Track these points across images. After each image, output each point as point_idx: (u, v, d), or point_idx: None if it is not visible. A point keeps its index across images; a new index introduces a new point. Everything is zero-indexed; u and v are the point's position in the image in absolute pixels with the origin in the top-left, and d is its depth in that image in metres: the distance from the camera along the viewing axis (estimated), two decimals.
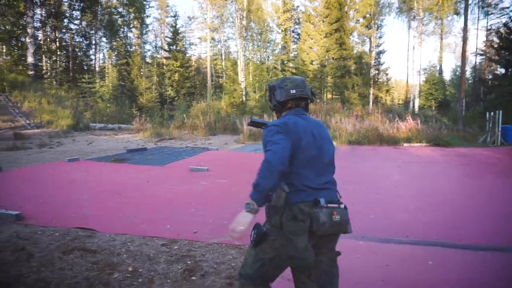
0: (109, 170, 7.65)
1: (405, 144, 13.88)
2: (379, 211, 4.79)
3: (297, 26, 34.26)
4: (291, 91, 1.83)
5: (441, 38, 35.55)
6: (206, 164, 8.33)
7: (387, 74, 35.45)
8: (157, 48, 36.91)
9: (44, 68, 23.64)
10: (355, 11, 27.55)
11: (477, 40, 31.52)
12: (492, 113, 15.17)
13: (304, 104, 1.91)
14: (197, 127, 19.51)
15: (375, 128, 14.87)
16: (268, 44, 29.59)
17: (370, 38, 30.41)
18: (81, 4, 24.49)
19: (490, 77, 30.50)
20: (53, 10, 23.67)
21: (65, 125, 17.61)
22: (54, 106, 19.51)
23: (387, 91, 34.17)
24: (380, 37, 32.16)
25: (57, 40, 24.32)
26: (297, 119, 1.76)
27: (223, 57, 40.17)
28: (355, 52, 28.46)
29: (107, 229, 3.81)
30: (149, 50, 34.97)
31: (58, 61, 24.18)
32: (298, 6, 33.62)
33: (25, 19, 20.70)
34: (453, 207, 5.01)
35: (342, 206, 1.67)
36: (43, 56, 23.69)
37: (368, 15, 27.68)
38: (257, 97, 24.91)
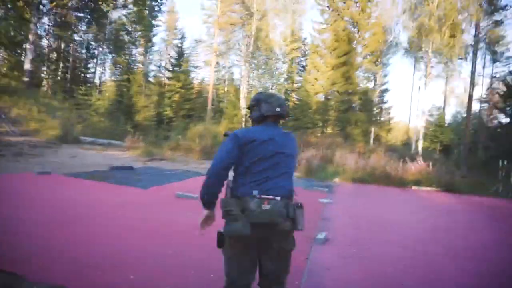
0: (80, 189, 6.55)
1: (414, 187, 12.86)
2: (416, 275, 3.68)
3: (302, 58, 34.11)
4: (276, 109, 2.02)
5: (446, 82, 35.49)
6: (196, 190, 7.23)
7: (389, 113, 35.06)
8: (161, 68, 36.52)
9: (43, 75, 22.89)
10: (363, 46, 27.31)
11: (482, 87, 31.03)
12: (505, 162, 14.28)
13: (279, 120, 2.11)
14: (192, 150, 18.48)
15: (382, 166, 13.88)
16: (274, 72, 29.17)
17: (375, 75, 30.17)
18: (89, 16, 24.03)
19: (495, 124, 30.07)
20: (59, 20, 23.22)
21: (52, 135, 16.54)
22: (44, 115, 18.51)
23: (389, 130, 33.63)
24: (385, 75, 31.99)
25: (61, 51, 23.74)
26: (263, 129, 1.99)
27: (226, 82, 39.87)
28: (360, 87, 27.98)
29: (40, 276, 2.69)
30: (152, 71, 34.54)
31: (57, 71, 23.43)
32: (305, 38, 33.66)
33: (29, 25, 20.13)
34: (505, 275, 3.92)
35: (278, 198, 1.85)
36: (44, 64, 23.00)
37: (376, 52, 27.45)
38: None
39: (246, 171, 1.91)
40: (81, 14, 23.02)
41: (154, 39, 34.74)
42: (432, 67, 28.16)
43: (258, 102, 2.06)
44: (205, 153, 18.40)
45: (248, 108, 2.14)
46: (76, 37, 24.22)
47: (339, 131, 27.33)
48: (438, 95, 53.10)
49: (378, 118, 29.32)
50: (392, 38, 30.32)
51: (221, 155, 1.92)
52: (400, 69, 63.99)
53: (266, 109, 2.01)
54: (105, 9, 22.40)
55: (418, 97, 30.98)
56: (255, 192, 1.82)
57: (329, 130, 28.89)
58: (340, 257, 4.01)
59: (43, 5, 20.13)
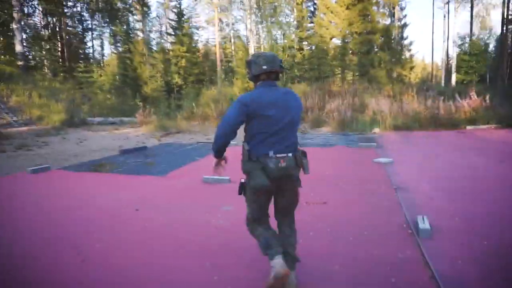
0: (81, 187, 5.20)
1: (468, 127, 11.13)
2: None
3: (309, 4, 31.09)
4: (263, 66, 2.21)
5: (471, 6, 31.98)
6: (226, 169, 5.81)
7: (410, 50, 32.14)
8: (161, 33, 34.22)
9: (37, 58, 21.30)
10: None
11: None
12: None
13: (275, 76, 2.30)
14: (209, 117, 17.02)
15: (426, 108, 12.11)
16: (283, 21, 26.64)
17: (392, 9, 27.25)
18: None
19: None
20: None
21: (57, 120, 15.29)
22: (46, 99, 17.19)
23: (411, 68, 30.98)
24: (401, 9, 28.88)
25: (50, 26, 21.78)
26: (264, 92, 2.22)
27: (232, 40, 37.38)
28: (380, 24, 25.28)
29: None
30: (153, 38, 32.26)
31: (51, 50, 21.72)
32: None
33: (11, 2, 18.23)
34: None
35: (290, 155, 2.20)
36: (36, 44, 21.31)
37: None
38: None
39: (259, 133, 2.18)
40: None
41: (150, 2, 32.18)
42: None
43: (248, 64, 2.32)
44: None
45: (246, 68, 2.40)
46: (66, 10, 22.07)
47: (362, 76, 25.15)
48: (462, 22, 48.76)
49: (401, 56, 26.79)
50: None
51: (228, 119, 2.18)
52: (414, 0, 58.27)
53: (254, 69, 2.23)
54: None
55: (444, 26, 28.14)
56: (271, 153, 2.15)
57: (349, 76, 26.74)
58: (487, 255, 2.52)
59: None
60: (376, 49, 24.99)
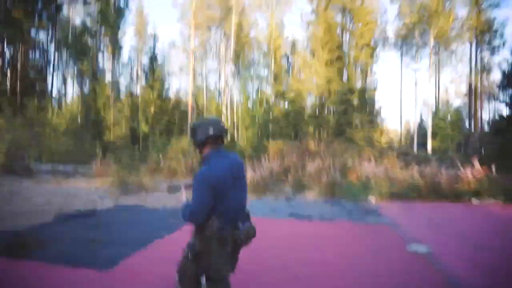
0: None
1: (474, 201, 9.92)
2: None
3: (287, 59, 31.11)
4: (208, 131, 2.26)
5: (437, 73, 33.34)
6: None
7: (380, 114, 32.36)
8: (131, 77, 32.69)
9: None
10: (358, 37, 24.53)
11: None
12: None
13: (221, 140, 2.34)
14: (177, 173, 15.03)
15: (426, 176, 10.91)
16: (258, 74, 26.05)
17: (366, 71, 27.62)
18: (40, 10, 19.83)
19: (497, 118, 28.03)
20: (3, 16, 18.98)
21: None
22: None
23: (381, 133, 31.00)
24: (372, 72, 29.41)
25: (6, 56, 19.43)
26: (220, 161, 2.25)
27: (205, 91, 36.45)
28: (356, 86, 25.27)
29: None
30: (121, 74, 30.29)
31: (3, 82, 19.17)
32: (288, 37, 30.74)
33: None
34: None
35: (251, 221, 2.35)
36: None
37: (372, 43, 24.87)
38: (249, 135, 20.80)
39: (222, 209, 2.19)
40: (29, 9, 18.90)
41: (122, 42, 30.87)
42: (434, 54, 25.80)
43: (193, 131, 2.35)
44: (194, 173, 14.86)
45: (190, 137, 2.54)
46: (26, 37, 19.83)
47: (338, 136, 24.42)
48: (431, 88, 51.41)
49: (376, 119, 26.71)
50: (382, 28, 27.81)
51: (201, 200, 2.16)
52: (384, 65, 61.18)
53: (200, 135, 2.28)
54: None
55: (416, 91, 28.81)
56: (241, 226, 2.23)
57: (325, 135, 26.00)
58: None
59: None
60: (352, 109, 24.67)
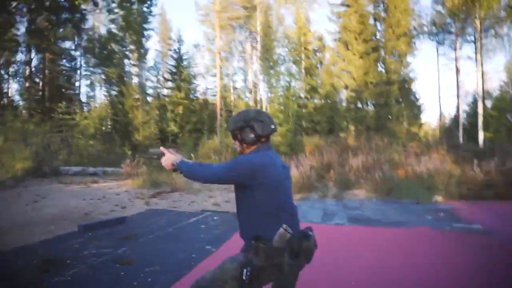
0: None
1: None
2: None
3: (317, 54, 29.60)
4: (271, 126, 1.89)
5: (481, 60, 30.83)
6: None
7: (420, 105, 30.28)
8: (158, 79, 32.21)
9: (11, 96, 18.61)
10: (394, 26, 22.81)
11: None
12: None
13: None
14: None
15: (506, 172, 9.30)
16: (289, 70, 24.75)
17: (402, 61, 25.72)
18: (66, 18, 19.55)
19: None
20: (29, 26, 18.84)
21: (21, 169, 12.14)
22: (13, 143, 14.09)
23: (420, 125, 28.89)
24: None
25: (31, 62, 19.23)
26: (273, 158, 1.87)
27: (232, 90, 35.60)
28: (395, 76, 23.45)
29: None
30: (148, 87, 29.96)
31: (32, 88, 19.00)
32: (316, 31, 29.21)
33: None
34: None
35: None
36: (11, 80, 18.72)
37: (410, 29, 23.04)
38: (283, 132, 19.57)
39: (278, 209, 1.81)
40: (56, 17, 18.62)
41: (147, 46, 30.41)
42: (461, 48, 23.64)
43: (247, 122, 1.88)
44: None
45: (234, 131, 1.93)
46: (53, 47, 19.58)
47: (378, 130, 22.77)
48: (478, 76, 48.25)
49: (420, 111, 24.83)
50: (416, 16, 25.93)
51: (224, 171, 1.80)
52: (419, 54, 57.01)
53: (261, 129, 1.86)
54: (83, 7, 18.06)
55: (458, 81, 26.54)
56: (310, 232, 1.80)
57: (363, 129, 24.36)
58: None
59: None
60: (393, 101, 22.95)
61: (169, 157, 1.92)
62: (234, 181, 1.82)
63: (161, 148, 2.00)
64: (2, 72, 19.49)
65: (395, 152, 16.55)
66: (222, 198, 8.79)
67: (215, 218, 6.20)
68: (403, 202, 8.81)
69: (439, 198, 8.97)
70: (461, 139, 24.44)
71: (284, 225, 1.73)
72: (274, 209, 1.78)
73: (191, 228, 5.24)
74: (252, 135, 1.85)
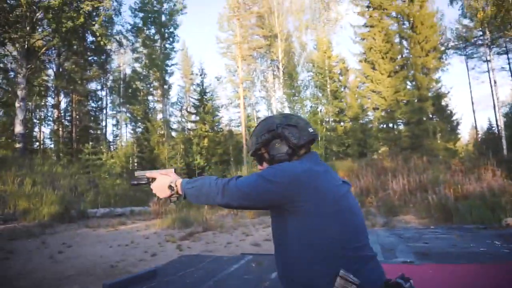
0: None
1: None
2: None
3: (341, 77, 29.07)
4: (308, 129, 1.39)
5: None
6: None
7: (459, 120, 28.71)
8: (182, 113, 32.35)
9: (40, 139, 18.75)
10: (422, 42, 22.06)
11: None
12: None
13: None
14: None
15: None
16: (317, 93, 24.18)
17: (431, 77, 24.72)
18: (92, 61, 20.01)
19: None
20: (55, 69, 19.31)
21: (47, 214, 11.74)
22: (41, 188, 13.88)
23: (455, 140, 27.18)
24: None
25: (59, 105, 19.56)
26: (327, 168, 1.32)
27: (255, 120, 35.37)
28: (428, 91, 22.39)
29: None
30: (172, 115, 30.09)
31: (60, 130, 19.21)
32: (339, 54, 28.85)
33: (12, 77, 16.17)
34: None
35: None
36: (41, 124, 18.98)
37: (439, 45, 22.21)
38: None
39: (341, 245, 1.18)
40: (82, 61, 19.07)
41: (170, 81, 30.79)
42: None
43: (276, 131, 1.35)
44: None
45: (257, 150, 1.41)
46: (78, 87, 19.99)
47: (414, 149, 21.47)
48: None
49: (457, 125, 23.48)
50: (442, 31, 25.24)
51: (255, 184, 1.23)
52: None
53: (296, 135, 1.34)
54: (107, 47, 18.38)
55: (494, 93, 25.10)
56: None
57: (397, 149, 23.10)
58: None
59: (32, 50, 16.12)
60: (427, 118, 21.79)
61: (163, 181, 1.43)
62: (270, 199, 1.23)
63: (148, 172, 1.52)
64: (32, 116, 19.80)
65: (438, 171, 15.37)
66: (260, 236, 7.92)
67: (260, 263, 5.33)
68: (466, 228, 7.65)
69: (510, 220, 7.76)
70: (505, 152, 22.86)
71: (342, 271, 1.13)
72: (334, 245, 1.19)
73: (234, 281, 4.39)
74: (286, 147, 1.35)
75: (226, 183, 1.26)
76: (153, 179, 1.51)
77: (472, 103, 32.26)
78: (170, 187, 1.41)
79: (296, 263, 1.21)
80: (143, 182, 1.55)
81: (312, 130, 1.38)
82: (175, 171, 1.54)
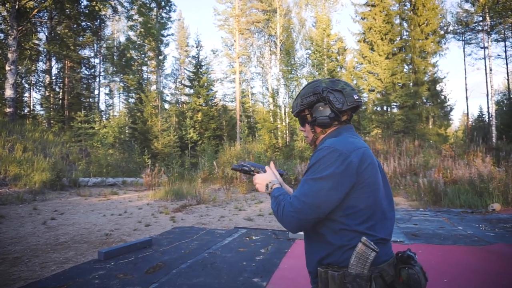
0: None
1: None
2: None
3: (339, 57, 28.71)
4: (354, 96, 1.36)
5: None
6: None
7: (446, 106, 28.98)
8: (176, 86, 31.86)
9: (31, 105, 18.37)
10: (423, 24, 21.77)
11: None
12: None
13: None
14: (233, 180, 13.27)
15: None
16: (314, 74, 23.92)
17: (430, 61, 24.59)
18: (85, 26, 19.29)
19: None
20: (47, 33, 18.66)
21: (38, 181, 11.66)
22: (32, 154, 13.72)
23: (447, 126, 27.49)
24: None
25: (51, 70, 19.02)
26: (363, 147, 1.28)
27: (250, 96, 35.08)
28: (424, 75, 22.31)
29: None
30: (166, 95, 29.60)
31: (51, 97, 18.76)
32: (338, 32, 28.43)
33: (2, 38, 15.60)
34: None
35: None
36: (32, 89, 18.52)
37: (439, 29, 21.95)
38: None
39: (373, 221, 1.25)
40: (74, 26, 18.41)
41: (166, 52, 30.09)
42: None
43: (321, 94, 1.34)
44: (252, 181, 13.03)
45: (301, 111, 1.42)
46: (71, 53, 19.34)
47: (406, 133, 21.64)
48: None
49: (451, 111, 23.60)
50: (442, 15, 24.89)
51: (319, 193, 1.18)
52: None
53: (341, 100, 1.33)
54: (102, 13, 17.70)
55: (488, 80, 25.14)
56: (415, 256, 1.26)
57: (389, 132, 23.23)
58: None
59: (23, 11, 15.49)
60: (421, 103, 21.82)
61: (266, 178, 1.45)
62: (339, 189, 1.19)
63: (267, 167, 1.52)
64: (23, 81, 19.30)
65: (428, 156, 15.58)
66: (253, 211, 8.01)
67: (254, 238, 5.41)
68: (454, 211, 7.84)
69: (496, 205, 7.95)
70: (494, 139, 23.13)
71: (364, 238, 1.16)
72: (369, 217, 1.24)
73: (228, 253, 4.45)
74: (328, 111, 1.34)
75: (289, 211, 1.23)
76: (257, 171, 1.54)
77: (466, 90, 32.39)
78: (267, 186, 1.43)
79: (331, 225, 1.25)
80: (246, 169, 1.59)
81: (357, 97, 1.38)
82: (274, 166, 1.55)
